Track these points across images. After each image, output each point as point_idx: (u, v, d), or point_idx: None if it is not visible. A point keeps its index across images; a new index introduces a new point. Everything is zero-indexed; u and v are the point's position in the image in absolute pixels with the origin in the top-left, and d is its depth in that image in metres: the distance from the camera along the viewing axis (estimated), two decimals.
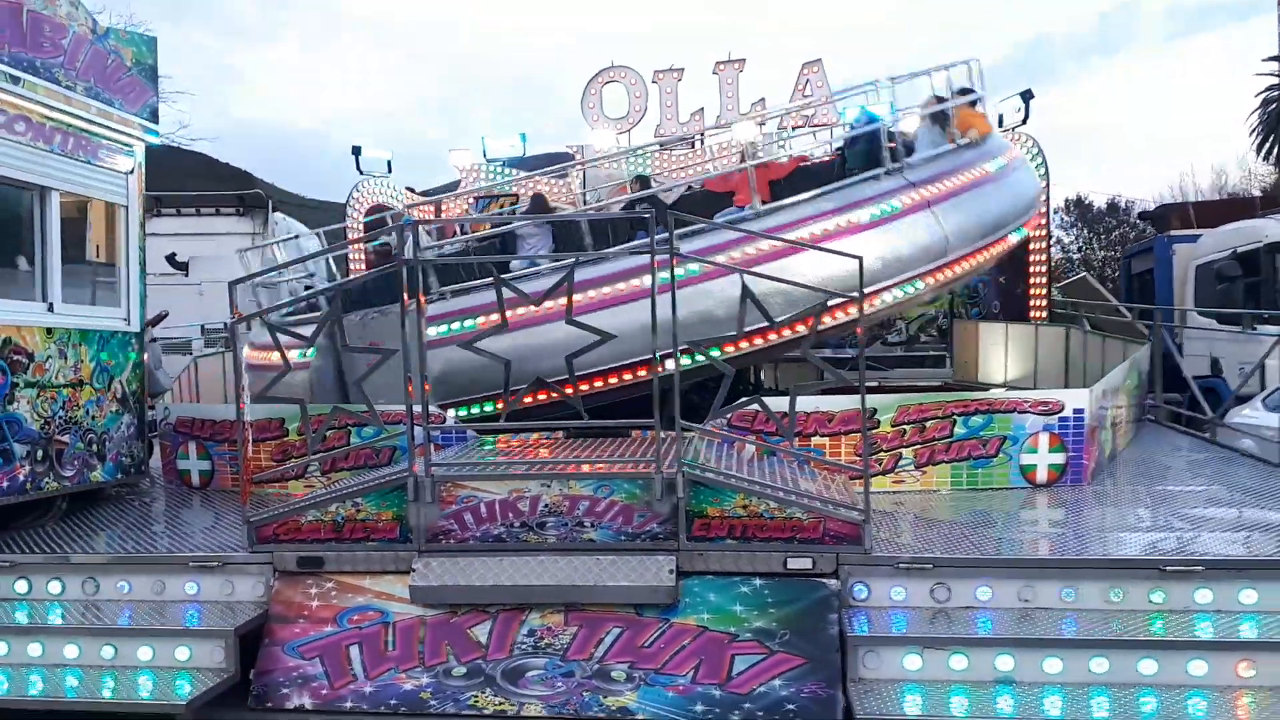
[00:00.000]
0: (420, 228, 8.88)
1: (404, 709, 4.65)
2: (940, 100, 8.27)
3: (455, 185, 13.40)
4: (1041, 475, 6.15)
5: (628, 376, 6.64)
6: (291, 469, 6.56)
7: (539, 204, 10.03)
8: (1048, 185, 11.66)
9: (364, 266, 11.24)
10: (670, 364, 4.79)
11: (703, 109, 12.83)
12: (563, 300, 5.05)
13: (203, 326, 12.96)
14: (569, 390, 5.15)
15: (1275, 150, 29.83)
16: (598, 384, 6.55)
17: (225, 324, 10.27)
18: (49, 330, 5.99)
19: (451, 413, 6.44)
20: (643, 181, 10.03)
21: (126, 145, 6.70)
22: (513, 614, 4.80)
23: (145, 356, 7.03)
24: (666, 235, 4.94)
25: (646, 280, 6.51)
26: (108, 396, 6.47)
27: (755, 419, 5.98)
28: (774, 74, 12.40)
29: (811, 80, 12.02)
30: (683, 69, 13.17)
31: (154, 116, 6.93)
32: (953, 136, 8.09)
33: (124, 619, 4.93)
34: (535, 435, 6.40)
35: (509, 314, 5.26)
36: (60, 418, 6.03)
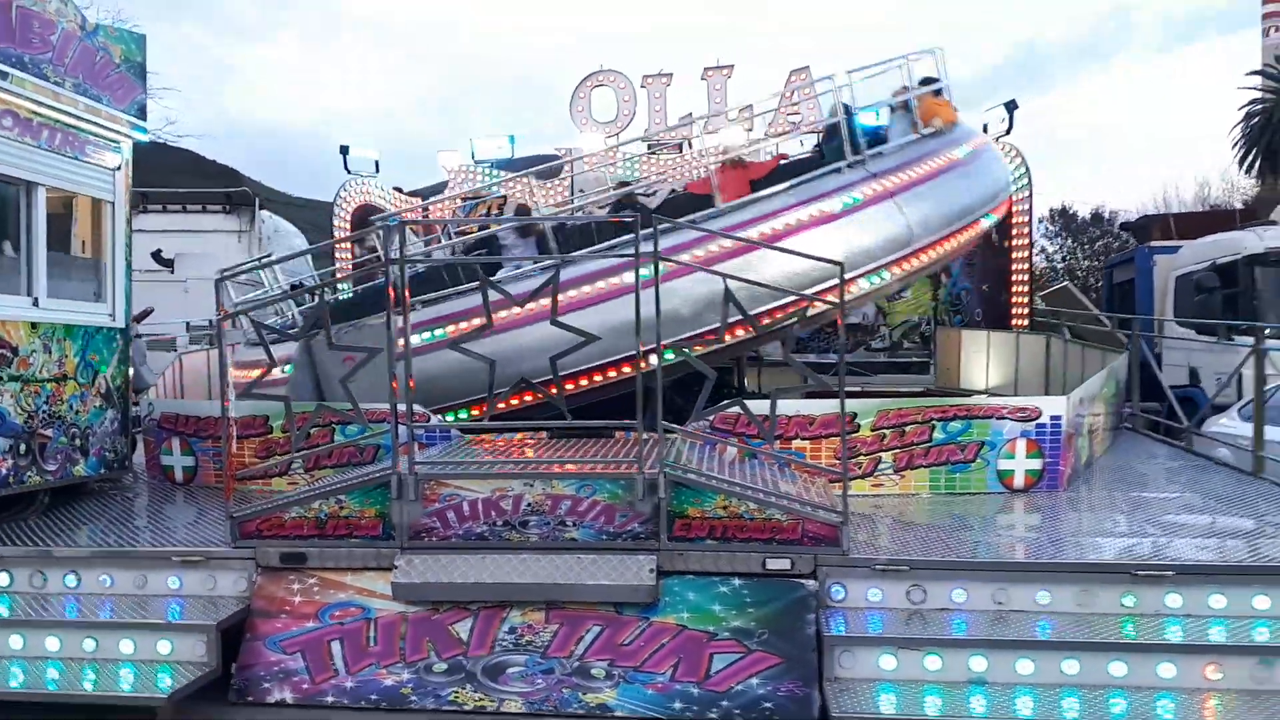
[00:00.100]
0: (407, 233, 8.94)
1: (385, 704, 4.69)
2: (904, 90, 8.25)
3: (443, 186, 13.43)
4: (1019, 481, 6.23)
5: (612, 374, 6.68)
6: (275, 466, 6.58)
7: (523, 212, 10.10)
8: (1030, 195, 11.79)
9: (351, 266, 11.26)
10: (649, 360, 4.84)
11: (691, 114, 12.92)
12: (540, 303, 5.10)
13: (188, 323, 12.94)
14: (550, 391, 5.20)
15: (1257, 163, 30.15)
16: (581, 383, 6.58)
17: (210, 321, 10.29)
18: (34, 325, 5.99)
19: (436, 419, 6.47)
20: (630, 198, 10.09)
21: (114, 142, 6.71)
22: (494, 611, 4.84)
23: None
24: (650, 236, 4.98)
25: (620, 280, 6.63)
26: (92, 391, 6.48)
27: (737, 422, 6.04)
28: (774, 73, 12.47)
29: (799, 88, 12.11)
30: (671, 74, 13.27)
31: (142, 113, 6.94)
32: (917, 127, 8.08)
33: (106, 612, 4.95)
34: (519, 435, 6.45)
35: (483, 319, 5.30)
36: (44, 412, 6.04)
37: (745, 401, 5.34)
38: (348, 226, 11.92)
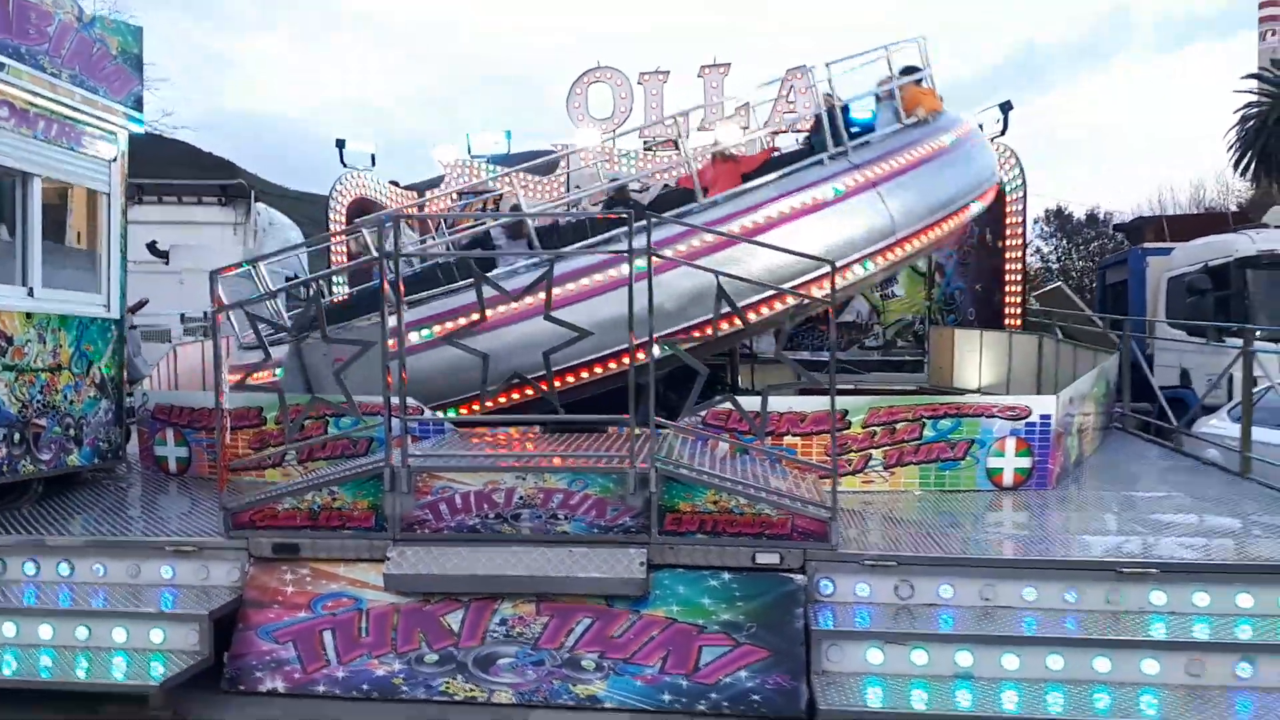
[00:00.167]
0: (403, 231, 8.95)
1: (376, 694, 4.73)
2: (888, 81, 8.22)
3: (440, 180, 13.44)
4: (1008, 479, 6.28)
5: (599, 370, 6.71)
6: (269, 457, 6.60)
7: (515, 227, 10.04)
8: (1024, 196, 11.84)
9: (346, 259, 11.27)
10: (639, 356, 4.88)
11: (688, 112, 12.94)
12: (531, 299, 5.14)
13: (183, 315, 12.94)
14: (543, 386, 5.23)
15: (1252, 166, 30.22)
16: (569, 380, 6.61)
17: (205, 313, 10.29)
18: (28, 315, 6.01)
19: (429, 412, 6.49)
20: (622, 192, 10.10)
21: (110, 133, 6.72)
22: (485, 603, 4.88)
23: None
24: (641, 231, 5.01)
25: (607, 274, 6.65)
26: (86, 382, 6.50)
27: (729, 418, 6.08)
28: (773, 72, 12.46)
29: (796, 86, 12.14)
30: (668, 71, 13.30)
31: (138, 105, 6.95)
32: (900, 116, 8.05)
33: (99, 601, 4.98)
34: (513, 429, 6.48)
35: (475, 316, 5.32)
36: (38, 401, 6.06)
37: (737, 398, 5.38)
38: (343, 220, 11.93)
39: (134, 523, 5.78)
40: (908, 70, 8.41)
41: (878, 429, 6.24)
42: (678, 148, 13.01)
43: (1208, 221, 15.36)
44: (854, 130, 7.97)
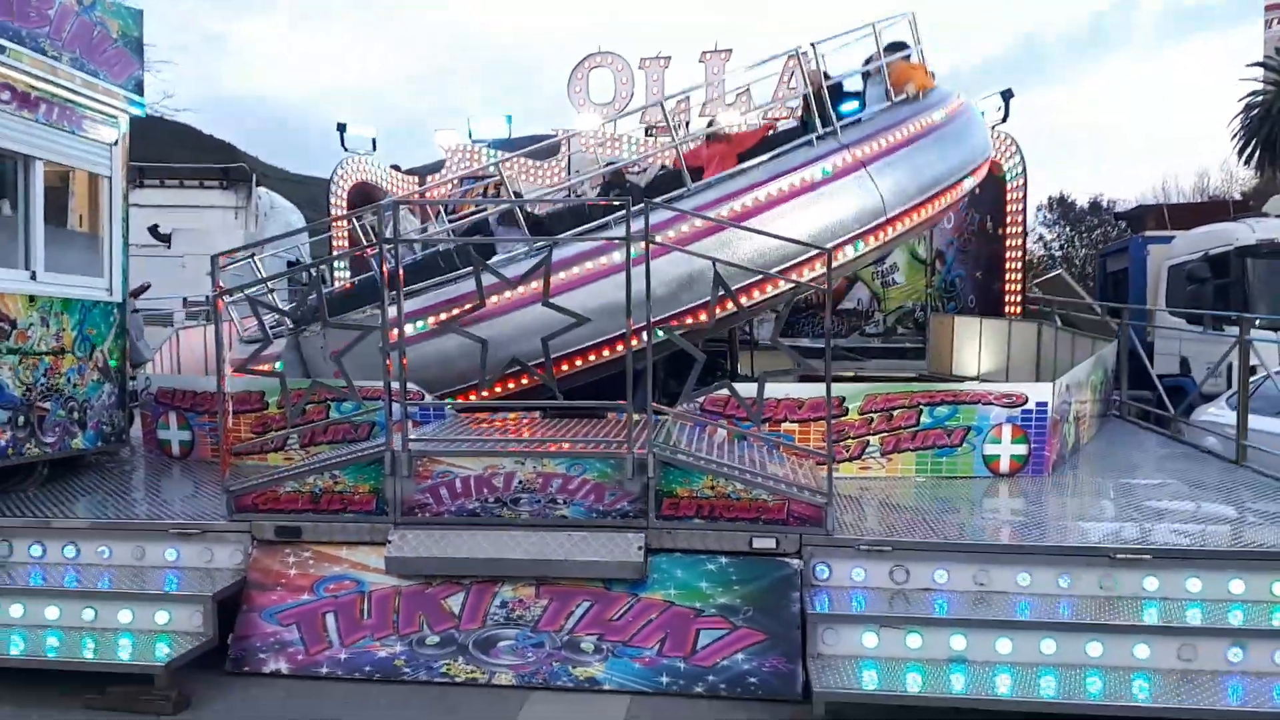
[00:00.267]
0: (405, 217, 8.94)
1: (378, 676, 4.79)
2: (877, 61, 8.07)
3: (441, 165, 13.44)
4: (1004, 465, 6.32)
5: (593, 357, 6.74)
6: (271, 441, 6.65)
7: (510, 213, 10.04)
8: (1025, 184, 11.83)
9: (348, 245, 11.28)
10: (635, 342, 4.91)
11: (688, 96, 12.92)
12: (528, 286, 5.16)
13: (185, 299, 12.97)
14: (541, 372, 5.27)
15: (1256, 154, 30.12)
16: (563, 368, 6.63)
17: (207, 297, 10.32)
18: (31, 298, 6.05)
19: (430, 397, 6.53)
20: (619, 178, 10.09)
21: (111, 116, 6.74)
22: (485, 586, 4.94)
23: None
24: (638, 214, 5.02)
25: (603, 260, 6.66)
26: (89, 365, 6.54)
27: (727, 404, 6.12)
28: (773, 66, 12.37)
29: (798, 72, 12.10)
30: (669, 56, 13.26)
31: (139, 89, 6.97)
32: (890, 94, 7.97)
33: (104, 583, 5.04)
34: (513, 415, 6.52)
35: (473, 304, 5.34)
36: (42, 385, 6.10)
37: (734, 384, 5.42)
38: (345, 204, 11.93)
39: (138, 505, 5.84)
40: (894, 46, 8.29)
41: (874, 416, 6.28)
42: (670, 130, 13.07)
43: (1209, 210, 15.33)
44: (843, 108, 7.89)
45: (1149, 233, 14.37)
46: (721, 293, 5.10)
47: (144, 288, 10.15)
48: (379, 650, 4.85)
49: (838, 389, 6.22)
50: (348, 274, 11.33)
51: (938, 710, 4.31)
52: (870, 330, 13.62)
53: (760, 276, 6.57)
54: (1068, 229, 43.44)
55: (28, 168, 6.09)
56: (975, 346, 11.73)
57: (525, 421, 6.37)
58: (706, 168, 8.12)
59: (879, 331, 13.60)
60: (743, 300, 6.57)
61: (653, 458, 4.94)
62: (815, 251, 6.10)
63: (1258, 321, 10.00)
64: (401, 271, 5.30)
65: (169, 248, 14.62)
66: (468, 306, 5.98)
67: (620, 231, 5.01)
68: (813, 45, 7.77)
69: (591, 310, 5.79)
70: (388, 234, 5.10)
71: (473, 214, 9.44)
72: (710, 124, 9.69)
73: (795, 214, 7.12)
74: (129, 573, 5.14)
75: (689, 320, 6.63)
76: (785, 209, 7.13)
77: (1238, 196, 28.60)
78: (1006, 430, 6.29)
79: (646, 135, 13.29)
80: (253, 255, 7.31)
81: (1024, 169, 11.80)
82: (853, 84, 8.56)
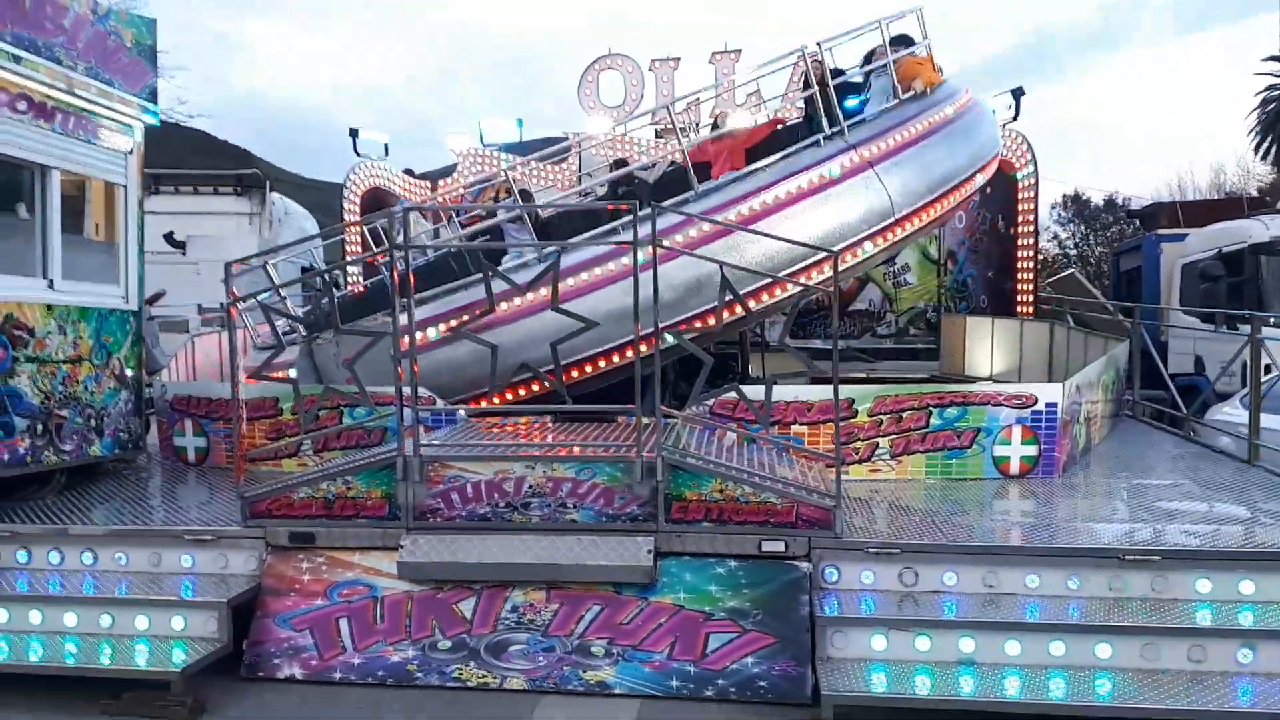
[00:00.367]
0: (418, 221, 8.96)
1: (390, 680, 4.84)
2: (882, 53, 8.00)
3: (453, 168, 13.51)
4: (1014, 467, 6.32)
5: (603, 364, 6.76)
6: (285, 447, 6.71)
7: (520, 196, 10.08)
8: (1036, 183, 11.81)
9: (360, 250, 11.35)
10: (644, 347, 4.93)
11: (698, 98, 12.94)
12: (532, 296, 5.18)
13: (200, 305, 13.08)
14: (551, 377, 5.30)
15: (1273, 150, 29.91)
16: (573, 375, 6.66)
17: (222, 304, 10.40)
18: (49, 307, 6.12)
19: (441, 403, 6.58)
20: (622, 165, 10.09)
21: (126, 125, 6.82)
22: (497, 590, 4.98)
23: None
24: (646, 219, 5.05)
25: (610, 266, 6.68)
26: (106, 373, 6.62)
27: (737, 407, 6.14)
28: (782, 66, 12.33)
29: (809, 72, 12.08)
30: (679, 58, 13.30)
31: (153, 97, 7.04)
32: (896, 91, 7.89)
33: (121, 589, 5.10)
34: (523, 419, 6.56)
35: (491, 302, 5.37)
36: (60, 393, 6.18)
37: (742, 387, 5.44)
38: (357, 210, 12.01)
39: (154, 512, 5.90)
40: (898, 40, 8.24)
41: (884, 418, 6.28)
42: (686, 134, 13.08)
43: (1222, 207, 15.25)
44: (848, 103, 7.85)
45: (1162, 231, 14.31)
46: (729, 297, 5.13)
47: (159, 295, 10.25)
48: (392, 655, 4.89)
49: (847, 391, 6.24)
50: (360, 279, 11.39)
51: (947, 713, 4.32)
52: (882, 331, 13.59)
53: (769, 280, 6.57)
54: (1083, 227, 43.21)
55: (45, 177, 6.17)
56: (987, 347, 11.71)
57: (536, 426, 6.41)
58: (714, 163, 8.11)
59: (891, 332, 13.57)
60: (751, 304, 6.57)
61: (661, 461, 4.97)
62: (824, 254, 6.09)
63: (1271, 320, 9.96)
64: (413, 276, 5.35)
65: (184, 254, 14.73)
66: (478, 312, 6.02)
67: (629, 235, 5.03)
68: (819, 44, 7.75)
69: (602, 315, 5.83)
70: (398, 240, 5.15)
71: (484, 219, 9.48)
72: (714, 121, 9.66)
73: (804, 216, 7.12)
74: (145, 579, 5.20)
75: (698, 325, 6.65)
76: (793, 211, 7.12)
77: (1254, 192, 28.42)
78: (1016, 431, 6.29)
79: (657, 137, 13.31)
80: (266, 262, 7.37)
81: (1035, 168, 11.77)
82: (860, 76, 8.51)
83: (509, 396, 6.72)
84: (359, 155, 12.67)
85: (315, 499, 5.23)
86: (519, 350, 6.03)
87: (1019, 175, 11.74)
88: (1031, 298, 11.92)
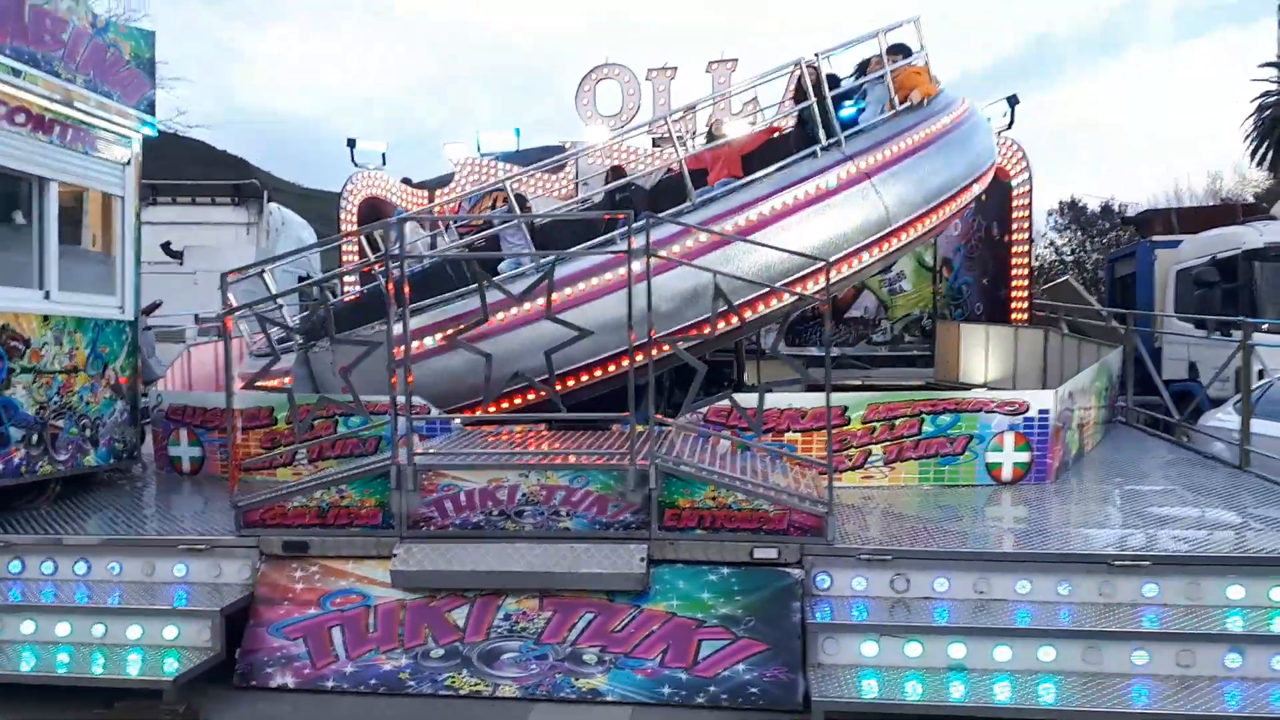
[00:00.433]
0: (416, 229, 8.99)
1: (384, 689, 4.85)
2: (879, 63, 8.01)
3: (451, 177, 13.55)
4: (1006, 473, 6.35)
5: (599, 373, 6.79)
6: (280, 456, 6.73)
7: (519, 202, 10.10)
8: (1031, 190, 11.85)
9: (357, 259, 11.39)
10: (639, 356, 4.96)
11: (695, 106, 12.98)
12: (529, 305, 5.21)
13: (197, 315, 13.10)
14: (546, 387, 5.33)
15: (1270, 156, 30.01)
16: (568, 384, 6.68)
17: (218, 314, 10.42)
18: (45, 317, 6.15)
19: (436, 411, 6.60)
20: (618, 171, 10.12)
21: (124, 137, 6.86)
22: (490, 598, 5.00)
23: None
24: (640, 230, 5.08)
25: (608, 276, 6.71)
26: (101, 383, 6.64)
27: (730, 414, 6.16)
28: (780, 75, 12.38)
29: (805, 81, 12.12)
30: (676, 67, 13.34)
31: (151, 109, 7.08)
32: (893, 102, 7.91)
33: (114, 599, 5.12)
34: (519, 428, 6.59)
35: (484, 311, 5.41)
36: (55, 403, 6.20)
37: (735, 395, 5.46)
38: (355, 219, 12.05)
39: (148, 522, 5.92)
40: (897, 49, 8.27)
41: (877, 425, 6.31)
42: (682, 143, 13.12)
43: (1217, 214, 15.29)
44: (843, 112, 7.88)
45: (1156, 237, 14.34)
46: (724, 307, 5.15)
47: (155, 305, 10.26)
48: (385, 663, 4.91)
49: (840, 398, 6.27)
50: (357, 285, 11.41)
51: (937, 718, 4.34)
52: (878, 339, 13.62)
53: (766, 290, 6.61)
54: (1079, 233, 43.26)
55: (42, 189, 6.20)
56: (982, 354, 11.74)
57: (530, 435, 6.43)
58: (710, 170, 8.13)
59: (887, 340, 13.60)
60: (747, 314, 6.62)
61: (654, 469, 4.99)
62: (820, 265, 6.12)
63: (1264, 326, 9.99)
64: (408, 286, 5.37)
65: (181, 264, 14.76)
66: (473, 321, 6.05)
67: (624, 245, 5.06)
68: (817, 55, 7.78)
69: (599, 325, 5.86)
70: (394, 249, 5.17)
71: (481, 229, 9.52)
72: (709, 129, 9.68)
73: (801, 227, 7.15)
74: (139, 588, 5.22)
75: (693, 334, 6.66)
76: (790, 222, 7.15)
77: (1250, 199, 28.47)
78: (1009, 438, 6.31)
79: (654, 146, 13.36)
80: (263, 271, 7.40)
81: (1030, 175, 11.82)
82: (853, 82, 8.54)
83: (504, 405, 6.75)
84: (356, 165, 12.71)
85: (309, 508, 5.25)
86: (516, 359, 6.06)
87: (1014, 182, 11.78)
88: (1026, 305, 11.96)
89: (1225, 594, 4.60)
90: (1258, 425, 7.34)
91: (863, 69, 8.48)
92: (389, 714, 4.65)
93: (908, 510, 5.75)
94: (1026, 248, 12.07)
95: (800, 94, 7.82)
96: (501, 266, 7.61)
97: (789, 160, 7.44)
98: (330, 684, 4.88)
